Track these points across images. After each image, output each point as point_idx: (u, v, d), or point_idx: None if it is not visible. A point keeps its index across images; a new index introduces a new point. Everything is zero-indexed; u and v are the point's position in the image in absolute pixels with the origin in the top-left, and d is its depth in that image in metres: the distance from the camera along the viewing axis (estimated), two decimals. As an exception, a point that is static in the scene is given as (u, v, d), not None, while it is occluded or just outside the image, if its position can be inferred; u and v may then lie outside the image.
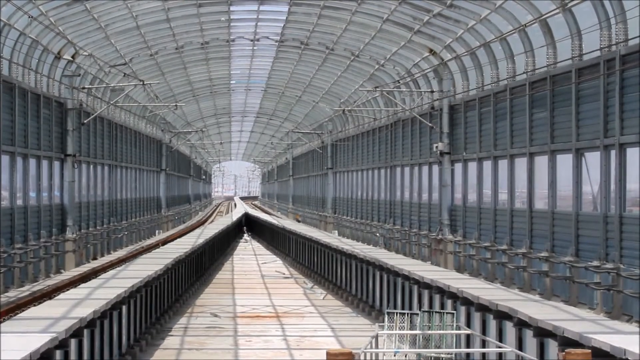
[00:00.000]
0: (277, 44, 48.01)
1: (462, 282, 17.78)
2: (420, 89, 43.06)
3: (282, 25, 44.30)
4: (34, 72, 36.44)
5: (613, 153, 24.57)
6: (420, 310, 16.04)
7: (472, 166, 36.43)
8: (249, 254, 48.30)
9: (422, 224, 42.98)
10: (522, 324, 13.68)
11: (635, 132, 23.26)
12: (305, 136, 79.15)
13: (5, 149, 32.22)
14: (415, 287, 20.00)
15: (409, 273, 20.32)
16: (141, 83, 43.08)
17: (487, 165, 34.60)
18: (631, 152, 23.95)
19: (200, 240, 33.69)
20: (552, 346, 12.75)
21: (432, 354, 14.50)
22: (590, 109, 25.90)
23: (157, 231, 65.12)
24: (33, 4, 32.72)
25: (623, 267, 23.50)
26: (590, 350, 10.12)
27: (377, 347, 13.79)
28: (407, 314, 15.29)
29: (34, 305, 21.69)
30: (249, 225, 71.09)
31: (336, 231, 60.12)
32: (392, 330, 14.96)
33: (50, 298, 23.61)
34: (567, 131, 27.11)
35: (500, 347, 13.46)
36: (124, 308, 17.24)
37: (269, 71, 58.14)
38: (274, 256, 46.50)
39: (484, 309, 15.31)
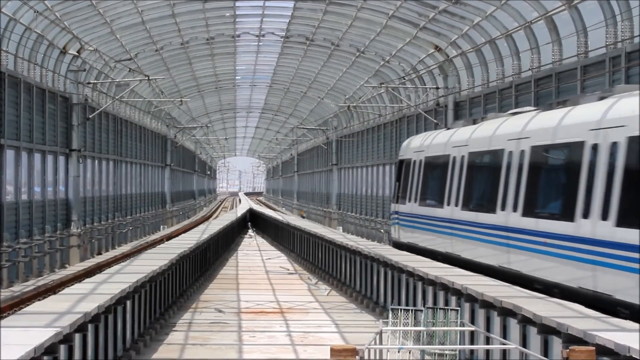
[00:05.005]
0: (282, 39, 48.01)
1: (467, 279, 17.74)
2: (425, 85, 43.03)
3: (288, 21, 44.31)
4: (39, 67, 36.48)
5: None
6: (424, 306, 16.03)
7: (477, 163, 36.35)
8: (254, 250, 48.28)
9: (426, 220, 42.91)
10: (526, 321, 13.65)
11: None
12: (310, 132, 79.17)
13: (10, 144, 32.27)
14: (419, 284, 19.97)
15: (414, 269, 20.29)
16: (146, 78, 43.13)
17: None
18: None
19: (205, 236, 33.68)
20: (556, 343, 12.72)
21: (436, 351, 14.49)
22: (595, 106, 25.84)
23: (161, 226, 65.16)
24: (38, -1, 32.78)
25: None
26: (594, 348, 10.10)
27: (381, 343, 13.77)
28: (412, 310, 15.27)
29: (39, 300, 21.74)
30: (253, 221, 71.07)
31: (341, 227, 60.10)
32: (396, 326, 14.95)
33: (54, 293, 23.65)
34: (573, 128, 27.04)
35: (504, 344, 13.45)
36: (129, 303, 17.24)
37: (274, 67, 58.16)
38: (279, 252, 46.46)
39: (488, 305, 15.27)
